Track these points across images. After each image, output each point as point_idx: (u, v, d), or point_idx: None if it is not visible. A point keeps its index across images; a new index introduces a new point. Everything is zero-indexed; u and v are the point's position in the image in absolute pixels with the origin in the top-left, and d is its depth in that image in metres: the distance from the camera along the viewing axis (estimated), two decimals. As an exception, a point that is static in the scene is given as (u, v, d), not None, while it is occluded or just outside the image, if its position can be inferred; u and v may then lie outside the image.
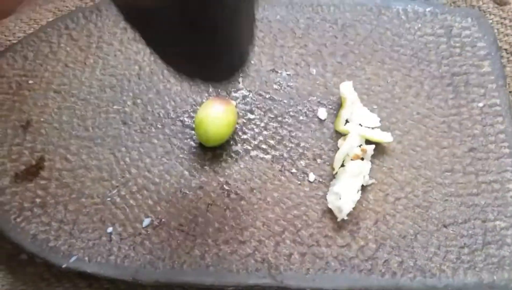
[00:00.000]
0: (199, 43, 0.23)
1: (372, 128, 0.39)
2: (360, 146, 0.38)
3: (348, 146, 0.37)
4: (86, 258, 0.35)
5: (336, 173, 0.37)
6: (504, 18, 0.46)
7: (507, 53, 0.45)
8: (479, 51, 0.43)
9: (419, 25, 0.44)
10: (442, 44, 0.44)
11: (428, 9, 0.45)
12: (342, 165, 0.37)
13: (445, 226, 0.36)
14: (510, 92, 0.43)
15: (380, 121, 0.39)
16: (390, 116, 0.40)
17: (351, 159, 0.37)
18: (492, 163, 0.38)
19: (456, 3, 0.47)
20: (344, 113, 0.39)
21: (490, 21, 0.46)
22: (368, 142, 0.39)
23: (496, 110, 0.40)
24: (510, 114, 0.40)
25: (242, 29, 0.26)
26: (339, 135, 0.39)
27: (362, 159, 0.38)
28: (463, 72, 0.42)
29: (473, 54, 0.43)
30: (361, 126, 0.39)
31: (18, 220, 0.36)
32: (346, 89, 0.39)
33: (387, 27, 0.45)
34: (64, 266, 0.34)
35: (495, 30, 0.45)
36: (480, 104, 0.41)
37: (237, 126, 0.40)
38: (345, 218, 0.36)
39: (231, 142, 0.39)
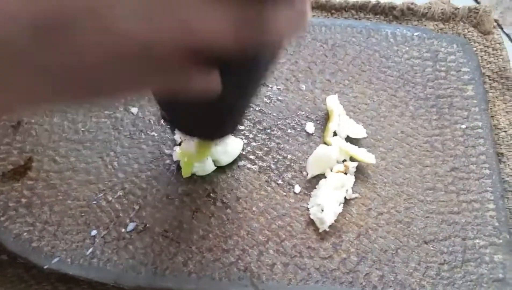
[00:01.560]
0: (207, 114, 0.28)
1: (359, 138, 0.40)
2: (344, 161, 0.39)
3: (325, 152, 0.38)
4: (69, 260, 0.35)
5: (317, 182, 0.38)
6: (488, 47, 0.48)
7: (490, 79, 0.46)
8: (463, 76, 0.45)
9: (407, 48, 0.46)
10: (428, 68, 0.45)
11: (416, 34, 0.47)
12: (325, 177, 0.38)
13: (425, 243, 0.37)
14: (492, 116, 0.44)
15: (365, 138, 0.40)
16: (375, 133, 0.41)
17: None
18: (473, 183, 0.39)
19: (443, 30, 0.49)
20: (332, 126, 0.40)
21: (475, 48, 0.48)
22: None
23: (478, 132, 0.42)
24: (491, 137, 0.41)
25: (247, 106, 0.31)
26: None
27: (345, 173, 0.39)
28: (448, 95, 0.44)
29: (457, 78, 0.45)
30: (348, 138, 0.40)
31: (2, 219, 0.36)
32: (332, 102, 0.40)
33: (375, 49, 0.46)
34: (46, 267, 0.34)
35: (479, 57, 0.47)
36: (463, 126, 0.42)
37: (226, 136, 0.40)
38: (327, 229, 0.36)
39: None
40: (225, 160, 0.39)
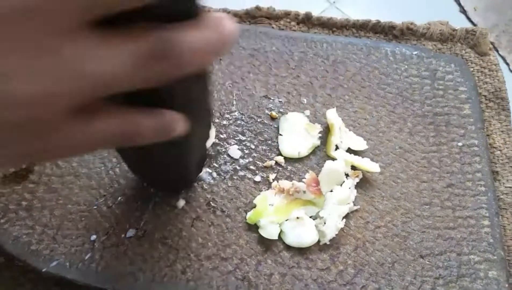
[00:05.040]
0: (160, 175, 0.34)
1: (361, 150, 0.41)
2: (353, 168, 0.40)
3: (333, 168, 0.38)
4: (67, 264, 0.35)
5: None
6: (484, 68, 0.49)
7: (486, 99, 0.47)
8: (460, 95, 0.46)
9: (406, 67, 0.47)
10: (426, 86, 0.46)
11: (415, 53, 0.48)
12: (331, 191, 0.39)
13: (421, 257, 0.37)
14: (487, 134, 0.45)
15: (364, 152, 0.41)
16: (373, 148, 0.42)
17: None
18: (468, 199, 0.40)
19: (441, 50, 0.50)
20: (334, 139, 0.41)
21: (472, 69, 0.49)
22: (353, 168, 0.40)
23: (474, 150, 0.43)
24: (487, 155, 0.42)
25: (192, 168, 0.36)
26: (323, 161, 0.41)
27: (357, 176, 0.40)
28: (445, 113, 0.45)
29: (454, 97, 0.46)
30: (349, 151, 0.41)
31: (2, 221, 0.36)
32: (332, 115, 0.41)
33: (375, 66, 0.47)
34: (44, 270, 0.34)
35: (476, 77, 0.48)
36: (460, 144, 0.43)
37: (228, 146, 0.41)
38: (327, 242, 0.37)
39: (221, 161, 0.40)
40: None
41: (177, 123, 0.21)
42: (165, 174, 0.34)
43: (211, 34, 0.17)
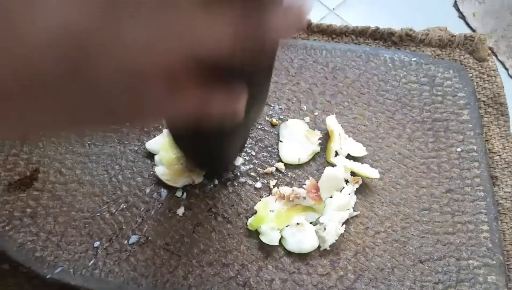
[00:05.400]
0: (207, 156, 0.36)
1: (360, 157, 0.42)
2: (353, 174, 0.40)
3: (333, 174, 0.39)
4: (71, 270, 0.35)
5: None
6: (483, 73, 0.50)
7: (485, 105, 0.48)
8: (459, 101, 0.46)
9: (404, 73, 0.48)
10: (425, 92, 0.47)
11: (413, 59, 0.49)
12: (330, 197, 0.39)
13: (421, 262, 0.38)
14: (486, 140, 0.45)
15: (364, 158, 0.42)
16: (373, 154, 0.43)
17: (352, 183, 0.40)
18: (467, 204, 0.40)
19: (440, 56, 0.51)
20: (333, 146, 0.41)
21: (470, 74, 0.49)
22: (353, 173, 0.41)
23: (473, 155, 0.43)
24: (486, 160, 0.43)
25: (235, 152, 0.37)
26: (323, 167, 0.41)
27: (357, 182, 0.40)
28: (444, 119, 0.45)
29: (453, 102, 0.46)
30: (349, 157, 0.41)
31: (7, 228, 0.37)
32: (332, 122, 0.42)
33: (374, 73, 0.48)
34: (48, 276, 0.35)
35: (474, 83, 0.49)
36: (459, 149, 0.43)
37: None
38: (327, 248, 0.37)
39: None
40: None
41: (242, 99, 0.22)
42: (212, 152, 0.34)
43: (294, 13, 0.20)
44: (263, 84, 0.29)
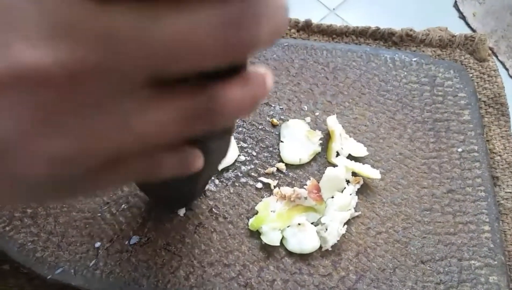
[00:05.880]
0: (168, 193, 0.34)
1: (362, 157, 0.42)
2: (354, 175, 0.40)
3: (334, 174, 0.39)
4: (72, 271, 0.35)
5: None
6: (483, 74, 0.50)
7: (485, 105, 0.48)
8: (460, 101, 0.46)
9: (405, 73, 0.48)
10: (425, 92, 0.47)
11: (414, 59, 0.49)
12: (332, 197, 0.39)
13: (422, 262, 0.38)
14: (487, 140, 0.45)
15: (365, 158, 0.42)
16: (374, 154, 0.43)
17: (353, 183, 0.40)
18: (469, 205, 0.40)
19: (440, 56, 0.51)
20: (335, 146, 0.41)
21: (471, 74, 0.49)
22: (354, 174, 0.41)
23: (474, 156, 0.43)
24: (487, 161, 0.43)
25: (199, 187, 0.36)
26: (324, 167, 0.41)
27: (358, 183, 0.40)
28: (445, 119, 0.45)
29: (454, 103, 0.46)
30: (350, 157, 0.41)
31: (7, 229, 0.37)
32: (332, 122, 0.42)
33: (375, 73, 0.48)
34: (49, 277, 0.35)
35: (475, 83, 0.49)
36: (459, 149, 0.43)
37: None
38: (329, 249, 0.37)
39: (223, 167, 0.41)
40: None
41: (198, 160, 0.21)
42: (171, 193, 0.34)
43: (253, 92, 0.17)
44: (223, 137, 0.27)
